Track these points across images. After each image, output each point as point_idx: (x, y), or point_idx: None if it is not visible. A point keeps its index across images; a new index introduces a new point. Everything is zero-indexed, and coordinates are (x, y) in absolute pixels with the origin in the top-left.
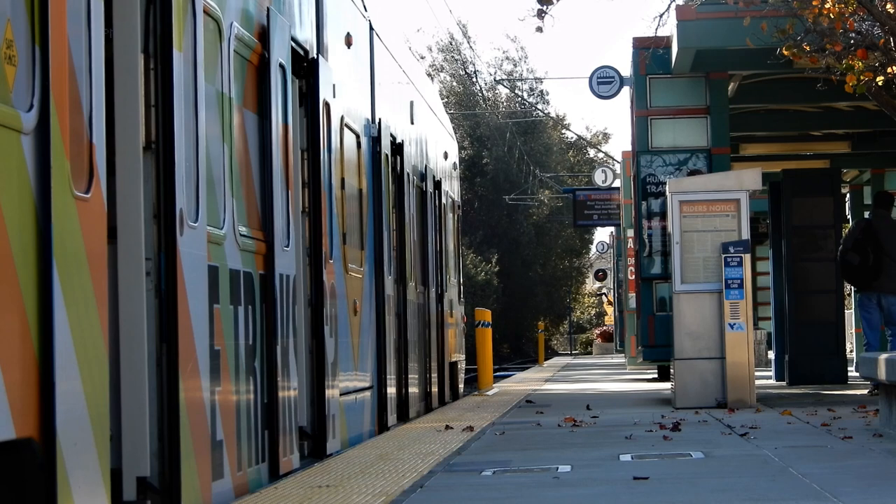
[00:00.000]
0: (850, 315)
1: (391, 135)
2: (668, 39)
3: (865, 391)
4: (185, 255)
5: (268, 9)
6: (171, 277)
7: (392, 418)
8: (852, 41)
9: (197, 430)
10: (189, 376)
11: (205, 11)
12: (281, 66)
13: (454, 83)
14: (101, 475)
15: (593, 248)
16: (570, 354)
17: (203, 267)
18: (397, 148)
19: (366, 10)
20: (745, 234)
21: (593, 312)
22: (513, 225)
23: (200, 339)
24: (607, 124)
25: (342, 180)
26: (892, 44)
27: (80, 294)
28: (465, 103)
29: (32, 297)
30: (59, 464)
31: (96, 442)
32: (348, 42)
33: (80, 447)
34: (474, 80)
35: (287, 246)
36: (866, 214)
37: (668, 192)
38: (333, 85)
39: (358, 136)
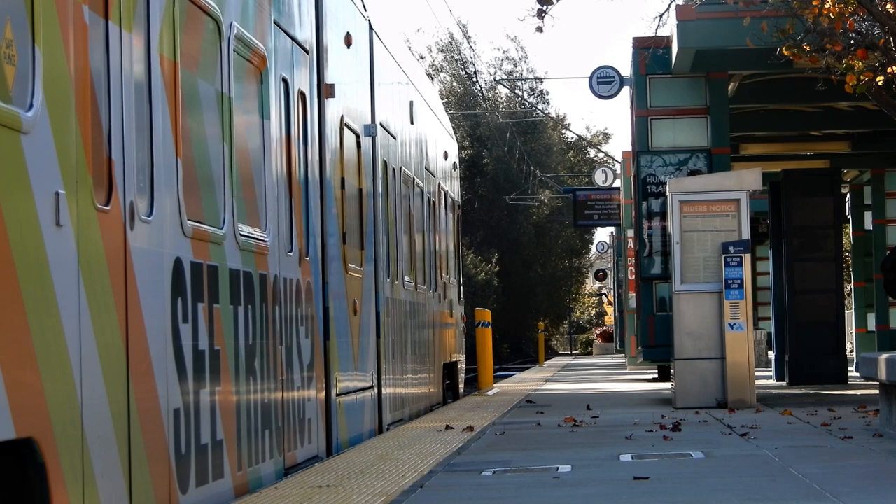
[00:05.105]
0: (850, 315)
1: (391, 135)
2: (668, 39)
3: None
4: (136, 251)
5: (270, 11)
6: (120, 272)
7: (394, 417)
8: (852, 41)
9: (151, 437)
10: (141, 379)
11: (202, 9)
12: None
13: (454, 83)
14: (123, 475)
15: (593, 248)
16: (571, 354)
17: (161, 263)
18: (397, 148)
19: (365, 9)
20: (745, 234)
21: (593, 312)
22: (513, 225)
23: (156, 340)
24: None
25: (342, 180)
26: (892, 44)
27: (102, 300)
28: (465, 103)
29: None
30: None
31: (117, 442)
32: (348, 42)
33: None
34: (474, 80)
35: (290, 251)
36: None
37: (668, 192)
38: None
39: (358, 136)
